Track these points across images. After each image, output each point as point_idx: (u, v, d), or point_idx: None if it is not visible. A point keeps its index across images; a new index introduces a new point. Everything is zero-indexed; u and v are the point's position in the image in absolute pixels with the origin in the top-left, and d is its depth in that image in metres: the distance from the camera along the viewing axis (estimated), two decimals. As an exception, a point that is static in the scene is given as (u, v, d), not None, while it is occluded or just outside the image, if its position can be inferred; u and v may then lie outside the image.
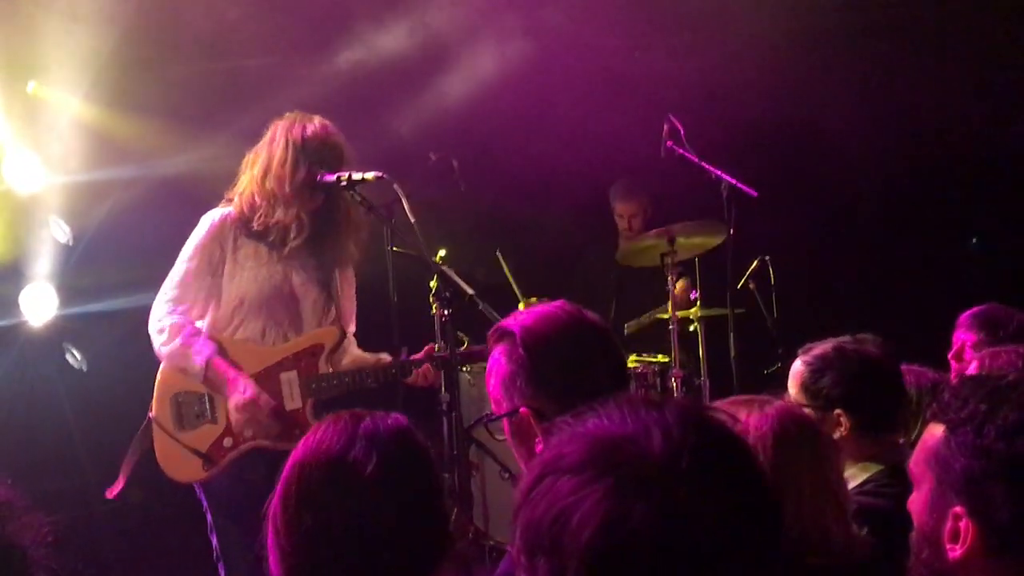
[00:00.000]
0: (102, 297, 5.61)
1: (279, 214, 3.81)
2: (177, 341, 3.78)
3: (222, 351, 3.81)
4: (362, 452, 1.66)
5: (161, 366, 3.87)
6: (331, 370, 3.89)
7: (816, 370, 2.84)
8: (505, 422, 1.94)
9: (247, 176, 3.88)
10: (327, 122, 3.90)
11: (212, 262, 3.84)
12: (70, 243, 5.72)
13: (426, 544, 1.71)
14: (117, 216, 5.70)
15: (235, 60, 5.82)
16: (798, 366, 2.90)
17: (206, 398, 3.82)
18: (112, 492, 3.90)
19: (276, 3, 5.71)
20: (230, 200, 3.91)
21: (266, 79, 5.80)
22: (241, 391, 3.76)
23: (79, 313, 5.69)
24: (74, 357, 5.82)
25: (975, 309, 3.94)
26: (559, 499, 1.03)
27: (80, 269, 5.70)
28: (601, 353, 1.94)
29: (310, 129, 3.83)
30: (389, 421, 1.74)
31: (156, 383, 3.87)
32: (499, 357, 1.94)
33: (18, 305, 5.59)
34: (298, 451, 1.72)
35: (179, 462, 3.80)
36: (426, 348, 4.03)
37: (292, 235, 3.85)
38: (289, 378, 3.83)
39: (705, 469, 1.04)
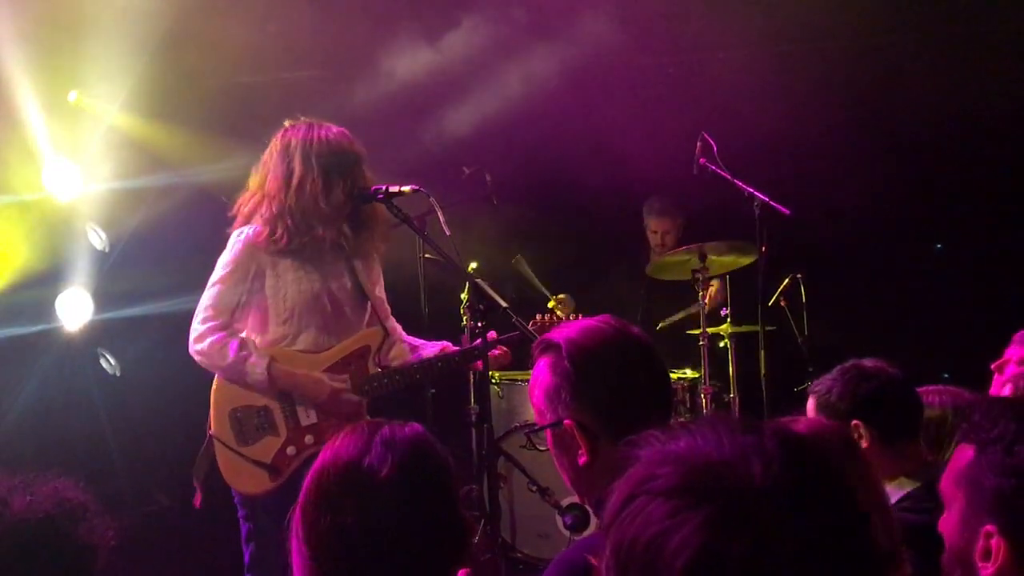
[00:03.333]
0: (137, 303, 5.68)
1: (318, 231, 3.80)
2: (229, 359, 3.74)
3: (275, 360, 3.79)
4: (377, 457, 1.74)
5: (214, 382, 3.85)
6: (379, 370, 3.94)
7: (824, 393, 2.85)
8: (548, 433, 1.96)
9: (268, 190, 3.81)
10: (343, 129, 3.87)
11: (247, 278, 3.80)
12: (106, 249, 5.79)
13: (439, 548, 1.76)
14: (152, 223, 5.77)
15: (273, 73, 5.89)
16: (810, 402, 2.90)
17: (263, 410, 3.81)
18: (197, 502, 3.86)
19: (315, 17, 5.76)
20: (239, 214, 3.88)
21: (304, 92, 5.87)
22: (323, 386, 3.81)
23: (114, 318, 5.75)
24: (108, 362, 5.88)
25: None
26: (653, 522, 1.02)
27: (115, 275, 5.78)
28: (645, 368, 1.96)
29: (331, 140, 3.80)
30: (406, 429, 1.82)
31: (211, 400, 3.84)
32: (544, 369, 1.96)
33: (54, 310, 5.67)
34: (318, 459, 1.80)
35: (246, 476, 3.79)
36: (488, 334, 3.84)
37: (330, 246, 3.87)
38: (342, 381, 3.88)
39: (808, 508, 1.02)
